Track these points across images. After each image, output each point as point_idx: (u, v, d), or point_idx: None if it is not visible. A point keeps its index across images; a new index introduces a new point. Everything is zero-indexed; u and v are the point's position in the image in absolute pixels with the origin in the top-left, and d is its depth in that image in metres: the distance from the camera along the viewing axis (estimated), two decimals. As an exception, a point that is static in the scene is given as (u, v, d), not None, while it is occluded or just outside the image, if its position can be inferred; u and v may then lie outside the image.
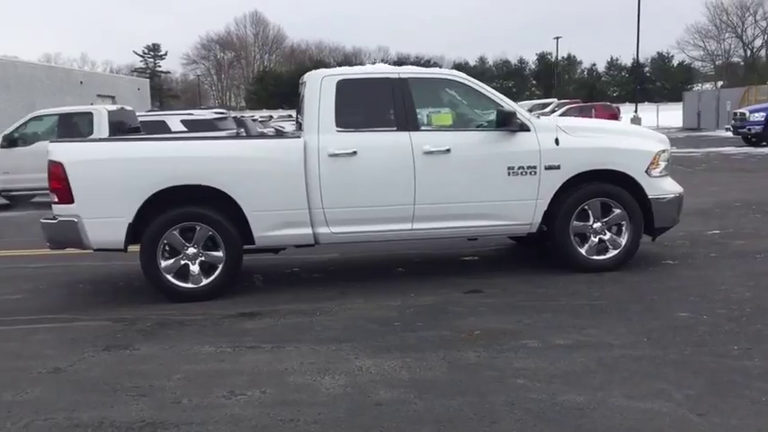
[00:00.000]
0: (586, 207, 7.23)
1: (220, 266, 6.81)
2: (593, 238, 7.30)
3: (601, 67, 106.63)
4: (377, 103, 7.15)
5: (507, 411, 4.03)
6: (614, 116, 43.17)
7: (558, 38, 75.89)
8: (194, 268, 6.80)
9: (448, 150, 6.98)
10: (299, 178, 6.79)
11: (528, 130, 7.14)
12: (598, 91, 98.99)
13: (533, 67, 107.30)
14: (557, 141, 7.15)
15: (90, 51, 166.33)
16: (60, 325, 6.22)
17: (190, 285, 6.79)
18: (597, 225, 7.28)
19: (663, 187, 7.39)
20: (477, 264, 8.10)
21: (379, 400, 4.25)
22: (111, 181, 6.62)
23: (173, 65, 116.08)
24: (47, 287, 7.72)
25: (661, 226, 7.49)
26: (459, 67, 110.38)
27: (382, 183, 6.94)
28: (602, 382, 4.40)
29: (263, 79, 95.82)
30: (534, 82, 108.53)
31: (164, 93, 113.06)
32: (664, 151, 7.49)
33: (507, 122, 7.02)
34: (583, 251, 7.27)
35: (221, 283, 6.82)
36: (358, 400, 4.27)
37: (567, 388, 4.33)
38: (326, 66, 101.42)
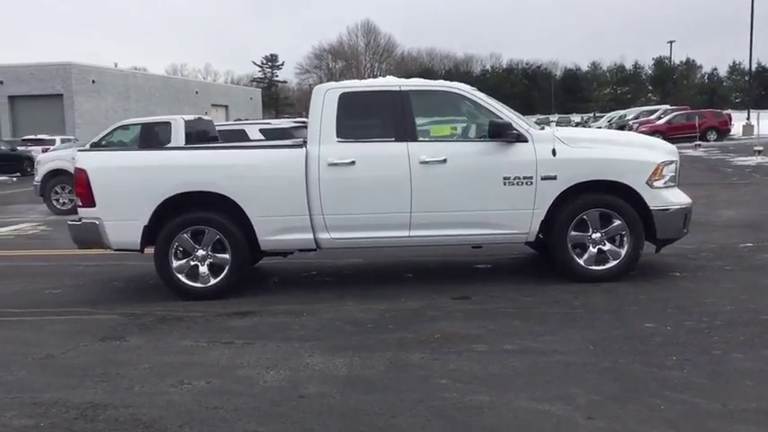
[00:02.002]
0: (585, 217, 7.30)
1: (227, 268, 7.30)
2: (591, 249, 7.35)
3: (722, 72, 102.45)
4: (377, 115, 7.48)
5: (411, 407, 4.28)
6: (724, 123, 41.61)
7: (671, 42, 73.42)
8: (203, 269, 7.31)
9: (444, 160, 7.22)
10: (300, 186, 7.19)
11: (525, 140, 7.28)
12: (719, 96, 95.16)
13: (649, 72, 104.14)
14: (554, 152, 7.25)
15: (213, 62, 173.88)
16: (77, 317, 6.85)
17: (199, 285, 7.31)
18: (596, 235, 7.32)
19: (666, 198, 7.35)
20: (485, 272, 8.26)
21: (304, 394, 4.57)
22: (129, 187, 7.23)
23: (288, 74, 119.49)
24: (85, 283, 8.44)
25: (664, 237, 7.45)
26: (571, 72, 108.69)
27: (379, 191, 7.25)
28: (519, 385, 4.57)
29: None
30: (650, 87, 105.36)
31: (280, 101, 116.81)
32: (669, 162, 7.45)
33: (500, 134, 7.19)
34: (581, 261, 7.34)
35: (227, 283, 7.31)
36: (286, 392, 4.62)
37: (482, 389, 4.53)
38: (435, 74, 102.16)
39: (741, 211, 12.18)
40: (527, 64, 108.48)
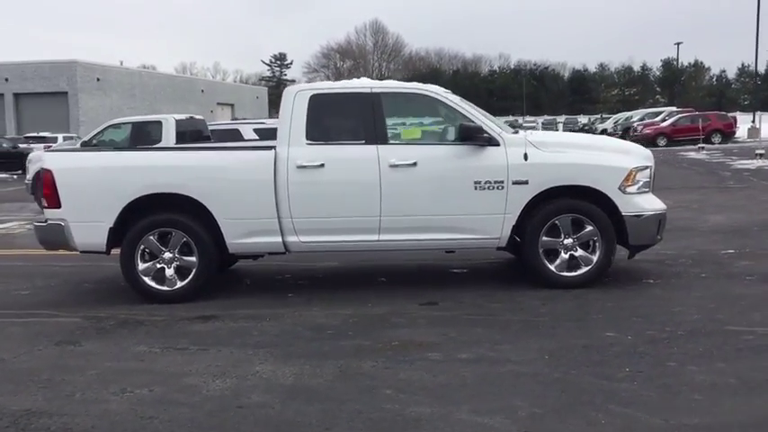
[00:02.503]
0: (557, 223, 7.18)
1: (194, 271, 7.21)
2: (563, 255, 7.23)
3: (731, 74, 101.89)
4: (348, 118, 7.39)
5: (349, 419, 4.18)
6: (729, 126, 41.37)
7: (678, 43, 72.98)
8: (170, 272, 7.23)
9: (414, 164, 7.12)
10: (268, 188, 7.10)
11: (497, 144, 7.17)
12: (728, 99, 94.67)
13: (657, 73, 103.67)
14: (525, 156, 7.14)
15: (222, 61, 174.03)
16: (39, 320, 6.77)
17: (165, 288, 7.23)
18: (568, 241, 7.21)
19: (639, 204, 7.23)
20: (459, 277, 8.16)
21: (244, 404, 4.48)
22: (94, 188, 7.15)
23: (297, 74, 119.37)
24: (56, 284, 8.37)
25: (637, 243, 7.33)
26: (578, 73, 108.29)
27: (348, 194, 7.15)
28: (463, 397, 4.47)
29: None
30: (659, 89, 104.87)
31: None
32: (644, 168, 7.33)
33: (470, 137, 7.09)
34: (552, 267, 7.22)
35: (194, 286, 7.22)
36: (226, 402, 4.52)
37: (426, 400, 4.42)
38: (443, 74, 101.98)
39: (731, 216, 12.04)
40: (535, 65, 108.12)
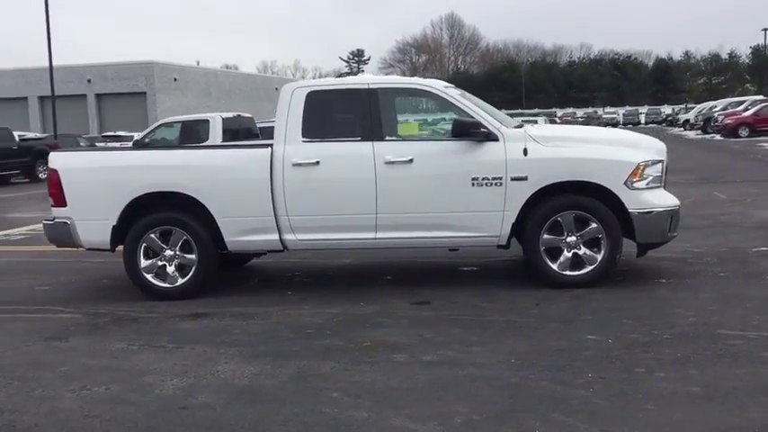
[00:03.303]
0: (559, 220, 6.93)
1: (193, 268, 7.27)
2: (566, 253, 6.98)
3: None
4: (345, 114, 7.32)
5: (283, 422, 4.12)
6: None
7: (766, 29, 69.78)
8: (171, 269, 7.31)
9: (410, 160, 6.99)
10: (265, 186, 7.10)
11: (496, 139, 6.97)
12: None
13: (746, 61, 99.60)
14: (525, 152, 6.92)
15: (302, 58, 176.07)
16: (43, 316, 6.95)
17: (167, 285, 7.31)
18: (571, 239, 6.95)
19: (648, 200, 6.91)
20: (466, 275, 7.99)
21: (189, 404, 4.47)
22: (97, 187, 7.29)
23: (373, 69, 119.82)
24: (77, 281, 8.57)
25: (645, 241, 7.01)
26: (663, 62, 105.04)
27: (344, 192, 7.08)
28: (407, 401, 4.34)
29: (455, 81, 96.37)
30: (748, 77, 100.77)
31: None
32: (655, 162, 7.00)
33: (465, 133, 6.92)
34: (555, 266, 6.98)
35: (194, 283, 7.28)
36: (173, 402, 4.52)
37: (368, 404, 4.32)
38: (518, 66, 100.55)
39: (782, 211, 11.42)
40: (616, 54, 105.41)
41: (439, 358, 5.12)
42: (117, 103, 49.25)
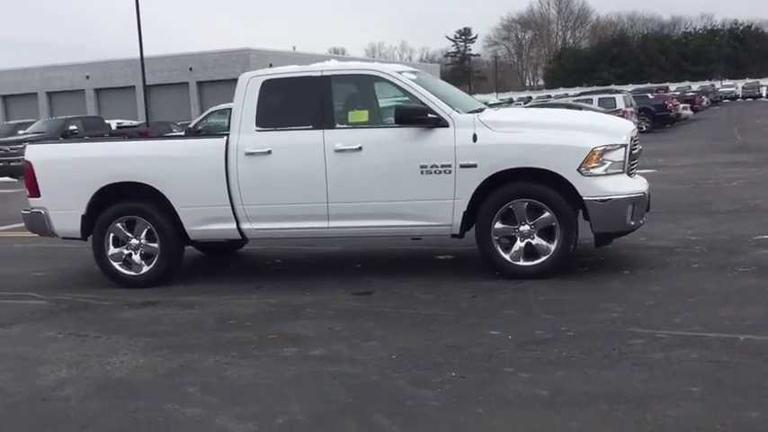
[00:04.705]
0: (512, 208, 6.65)
1: (156, 257, 7.43)
2: (519, 242, 6.69)
3: None
4: (298, 103, 7.24)
5: (117, 416, 4.16)
6: None
7: None
8: (137, 258, 7.49)
9: (359, 148, 6.87)
10: (220, 176, 7.14)
11: (446, 125, 6.75)
12: None
13: None
14: (474, 138, 6.66)
15: (409, 39, 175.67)
16: (12, 302, 7.22)
17: (132, 273, 7.50)
18: (525, 228, 6.66)
19: (604, 187, 6.52)
20: (436, 264, 7.80)
21: (51, 397, 4.55)
22: (66, 177, 7.53)
23: (478, 48, 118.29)
24: (70, 267, 8.90)
25: (602, 230, 6.62)
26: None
27: (295, 181, 7.04)
28: (249, 399, 4.29)
29: (562, 57, 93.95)
30: None
31: (472, 76, 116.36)
32: (615, 146, 6.60)
33: (406, 119, 6.73)
34: (507, 256, 6.71)
35: (157, 271, 7.43)
36: (38, 394, 4.60)
37: (212, 401, 4.29)
38: (629, 40, 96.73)
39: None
40: (735, 23, 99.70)
41: (325, 353, 5.02)
42: (217, 90, 50.57)
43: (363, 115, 7.14)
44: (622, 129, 6.92)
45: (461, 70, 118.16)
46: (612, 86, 65.24)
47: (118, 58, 53.20)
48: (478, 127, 6.70)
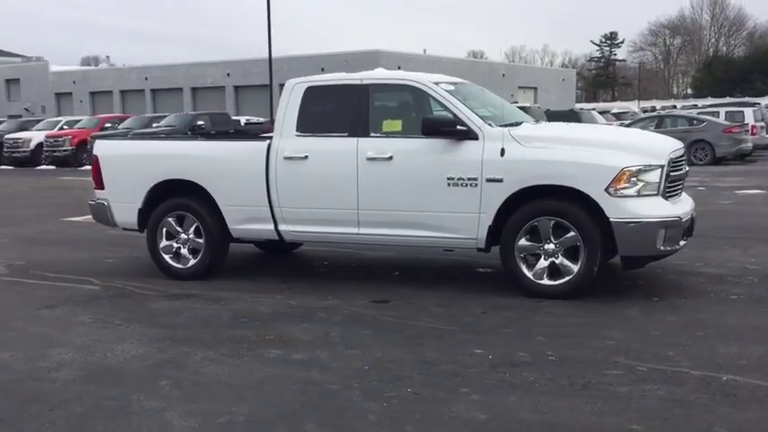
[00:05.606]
0: (537, 225, 6.53)
1: (201, 252, 7.79)
2: (543, 261, 6.56)
3: None
4: (337, 110, 7.39)
5: (78, 400, 4.43)
6: None
7: None
8: (185, 251, 7.89)
9: (390, 158, 6.94)
10: (261, 178, 7.41)
11: (476, 138, 6.71)
12: None
13: None
14: (502, 152, 6.58)
15: (551, 42, 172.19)
16: (70, 285, 7.75)
17: (180, 266, 7.90)
18: (549, 247, 6.52)
19: (634, 209, 6.27)
20: (471, 277, 7.74)
21: (42, 377, 4.87)
22: (127, 172, 8.03)
23: (624, 53, 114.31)
24: (139, 255, 9.43)
25: (629, 254, 6.37)
26: None
27: (328, 186, 7.19)
28: (208, 397, 4.47)
29: (711, 65, 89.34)
30: None
31: (616, 81, 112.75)
32: (649, 168, 6.34)
33: (434, 131, 6.74)
34: (530, 274, 6.59)
35: (201, 266, 7.79)
36: (33, 374, 4.94)
37: (175, 396, 4.50)
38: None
39: None
40: None
41: (305, 358, 5.14)
42: (347, 90, 51.80)
43: (397, 125, 7.18)
44: (662, 149, 6.62)
45: (605, 76, 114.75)
46: (748, 99, 61.57)
47: (256, 57, 55.32)
48: (507, 141, 6.61)
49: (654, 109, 52.20)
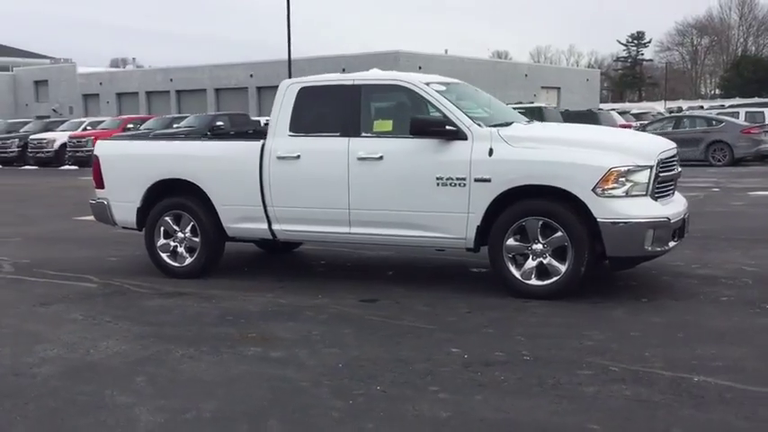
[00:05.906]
0: (525, 225, 6.52)
1: (197, 250, 7.87)
2: (531, 261, 6.55)
3: None
4: (329, 110, 7.43)
5: (53, 395, 4.51)
6: None
7: None
8: (181, 250, 7.97)
9: (381, 157, 6.97)
10: (254, 177, 7.48)
11: (465, 138, 6.71)
12: None
13: None
14: (490, 152, 6.59)
15: (577, 42, 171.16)
16: (68, 283, 7.87)
17: (176, 264, 7.99)
18: (537, 247, 6.51)
19: (621, 210, 6.25)
20: (467, 276, 7.75)
21: (23, 373, 4.95)
22: (126, 172, 8.14)
23: (650, 53, 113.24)
24: (142, 253, 9.54)
25: (616, 255, 6.34)
26: None
27: (320, 186, 7.24)
28: (180, 393, 4.52)
29: (740, 65, 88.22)
30: None
31: (643, 82, 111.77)
32: (639, 168, 6.31)
33: (421, 131, 6.75)
34: (518, 274, 6.58)
35: (197, 265, 7.87)
36: (15, 369, 5.02)
37: (148, 392, 4.56)
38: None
39: None
40: None
41: (283, 356, 5.18)
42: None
43: (388, 125, 7.21)
44: (652, 150, 6.58)
45: (632, 76, 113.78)
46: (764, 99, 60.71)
47: (278, 59, 55.62)
48: (496, 141, 6.61)
49: (680, 109, 51.73)
